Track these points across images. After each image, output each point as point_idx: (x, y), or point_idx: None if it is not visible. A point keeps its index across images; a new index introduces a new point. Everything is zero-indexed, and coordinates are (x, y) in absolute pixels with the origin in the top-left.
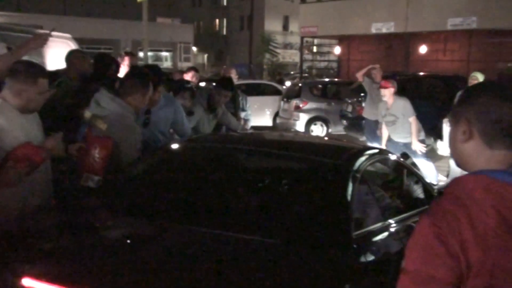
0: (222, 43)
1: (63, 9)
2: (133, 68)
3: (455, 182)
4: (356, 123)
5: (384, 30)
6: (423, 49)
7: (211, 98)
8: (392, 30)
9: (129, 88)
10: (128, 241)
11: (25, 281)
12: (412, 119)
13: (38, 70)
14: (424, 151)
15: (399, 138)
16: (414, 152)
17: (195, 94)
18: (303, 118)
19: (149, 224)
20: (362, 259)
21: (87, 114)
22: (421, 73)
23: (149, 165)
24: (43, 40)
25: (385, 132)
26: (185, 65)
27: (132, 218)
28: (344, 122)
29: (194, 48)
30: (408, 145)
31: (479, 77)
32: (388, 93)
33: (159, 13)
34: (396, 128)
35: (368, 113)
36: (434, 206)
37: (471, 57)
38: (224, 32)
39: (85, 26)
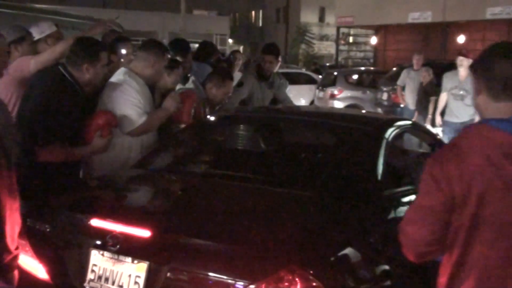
0: (258, 35)
1: (102, 2)
2: (219, 64)
3: (461, 131)
4: (391, 110)
5: (421, 20)
6: (461, 38)
7: (259, 66)
8: (429, 19)
9: (208, 79)
10: (180, 192)
11: (94, 221)
12: None
13: (165, 46)
14: None
15: (463, 116)
16: None
17: (232, 64)
18: (338, 106)
19: (199, 179)
20: (391, 215)
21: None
22: None
23: (195, 132)
24: (106, 25)
25: (438, 119)
26: None
27: (181, 173)
28: (379, 110)
29: (230, 40)
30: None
31: None
32: (466, 63)
33: (195, 5)
34: (464, 103)
35: (408, 102)
36: (436, 152)
37: None
38: (260, 24)
39: (123, 18)
